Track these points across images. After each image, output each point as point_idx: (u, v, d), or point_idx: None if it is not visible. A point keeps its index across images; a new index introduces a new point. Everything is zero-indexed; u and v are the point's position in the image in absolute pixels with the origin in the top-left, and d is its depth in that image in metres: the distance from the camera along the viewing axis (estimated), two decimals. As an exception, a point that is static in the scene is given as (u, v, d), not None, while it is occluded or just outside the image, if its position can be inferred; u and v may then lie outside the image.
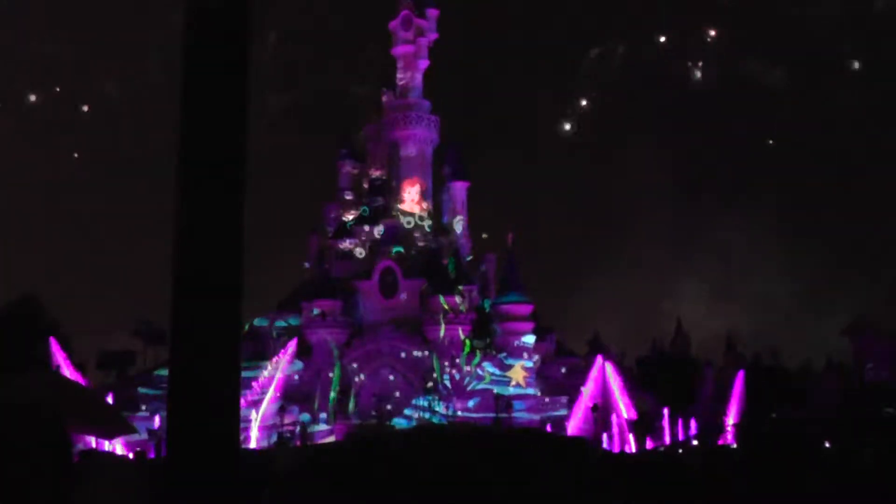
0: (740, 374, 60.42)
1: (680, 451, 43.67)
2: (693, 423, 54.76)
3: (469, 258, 74.81)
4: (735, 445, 44.85)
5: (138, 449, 35.84)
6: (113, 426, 7.66)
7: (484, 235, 76.01)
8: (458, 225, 74.93)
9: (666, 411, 53.40)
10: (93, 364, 68.05)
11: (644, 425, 50.66)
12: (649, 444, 50.67)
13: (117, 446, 43.95)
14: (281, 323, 68.87)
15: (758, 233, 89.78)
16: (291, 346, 63.84)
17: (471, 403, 64.37)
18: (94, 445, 29.41)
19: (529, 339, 68.03)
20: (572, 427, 58.27)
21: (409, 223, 72.99)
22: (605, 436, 54.39)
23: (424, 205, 74.48)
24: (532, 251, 71.80)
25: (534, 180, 79.93)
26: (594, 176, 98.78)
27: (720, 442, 50.42)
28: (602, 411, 54.46)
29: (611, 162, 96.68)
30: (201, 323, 4.79)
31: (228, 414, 4.80)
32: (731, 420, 54.73)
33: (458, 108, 79.56)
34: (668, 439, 50.89)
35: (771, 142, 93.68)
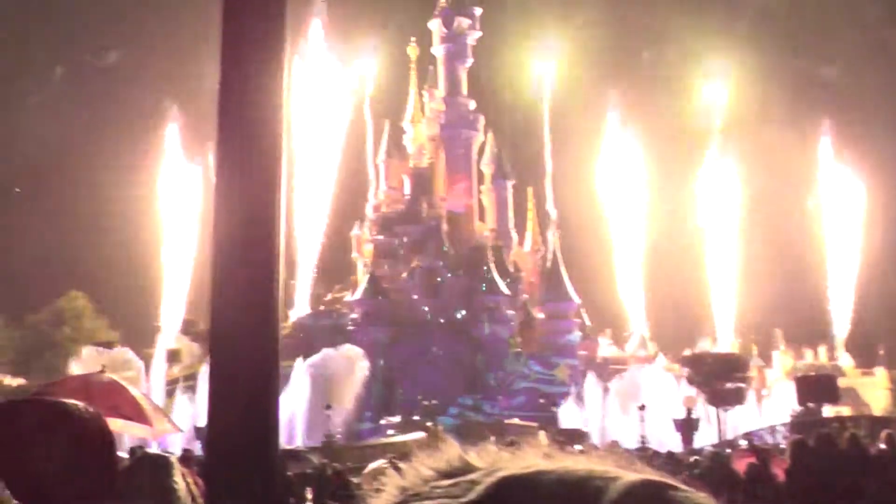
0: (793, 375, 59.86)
1: (728, 450, 43.13)
2: (741, 423, 54.20)
3: (513, 256, 74.60)
4: (784, 446, 44.24)
5: (185, 447, 35.95)
6: (158, 425, 7.64)
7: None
8: (504, 222, 74.81)
9: (713, 410, 52.90)
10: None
11: (690, 424, 50.12)
12: (696, 443, 50.15)
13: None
14: (324, 320, 69.00)
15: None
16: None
17: (515, 402, 64.27)
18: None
19: (575, 338, 67.75)
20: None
21: (452, 220, 72.87)
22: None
23: (468, 202, 74.35)
24: (578, 248, 71.20)
25: (575, 176, 79.16)
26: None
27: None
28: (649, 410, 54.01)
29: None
30: (239, 320, 4.70)
31: (267, 412, 4.71)
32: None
33: (503, 105, 78.96)
34: (716, 438, 50.32)
35: None
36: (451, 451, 0.99)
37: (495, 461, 0.98)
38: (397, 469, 1.01)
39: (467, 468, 0.98)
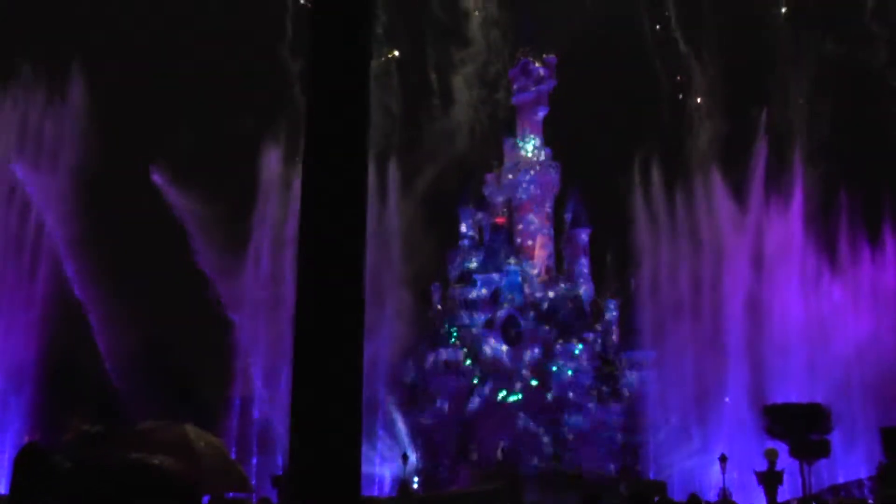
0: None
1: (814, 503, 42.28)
2: (825, 476, 53.08)
3: (592, 304, 74.26)
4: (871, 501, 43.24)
5: (263, 496, 36.30)
6: (237, 482, 7.74)
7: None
8: (579, 267, 74.58)
9: (797, 462, 51.80)
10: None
11: (774, 477, 49.09)
12: (780, 497, 49.16)
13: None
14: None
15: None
16: None
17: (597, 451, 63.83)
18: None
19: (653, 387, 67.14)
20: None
21: (531, 270, 72.91)
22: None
23: (546, 251, 74.35)
24: (657, 293, 70.48)
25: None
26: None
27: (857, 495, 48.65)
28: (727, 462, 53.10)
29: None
30: (321, 368, 4.82)
31: (350, 463, 4.80)
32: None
33: (581, 153, 79.08)
34: (800, 492, 49.26)
35: None
36: None
37: None
38: None
39: None
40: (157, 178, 60.54)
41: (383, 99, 74.96)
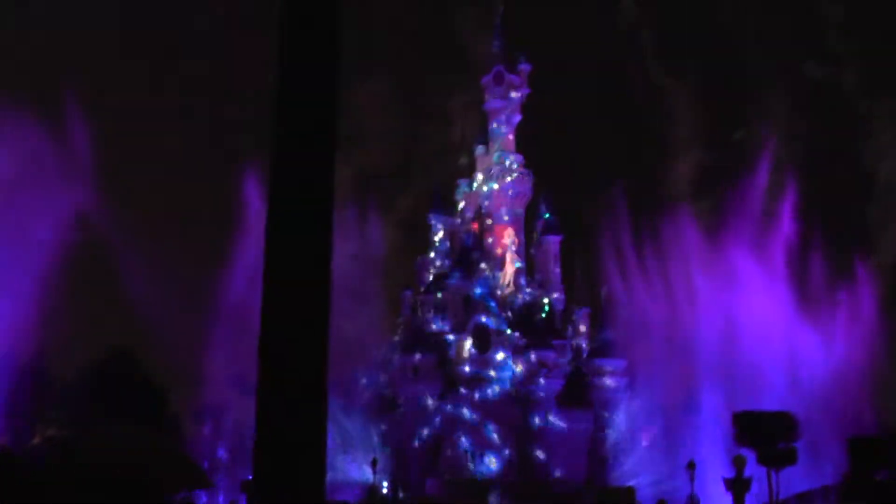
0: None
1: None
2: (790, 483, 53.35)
3: (563, 311, 74.48)
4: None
5: (232, 499, 36.28)
6: (195, 479, 7.80)
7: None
8: (550, 275, 74.81)
9: (764, 469, 52.12)
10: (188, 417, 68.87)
11: (742, 484, 49.36)
12: (747, 504, 49.47)
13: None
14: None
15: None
16: None
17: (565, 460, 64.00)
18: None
19: (622, 394, 67.45)
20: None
21: (501, 278, 73.02)
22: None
23: (517, 259, 74.47)
24: (628, 301, 70.81)
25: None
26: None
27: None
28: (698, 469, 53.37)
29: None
30: (287, 376, 4.86)
31: (314, 467, 4.85)
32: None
33: (552, 160, 79.45)
34: (766, 499, 49.57)
35: None
36: None
37: None
38: None
39: None
40: None
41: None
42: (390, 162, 77.64)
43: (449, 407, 66.40)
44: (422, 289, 74.02)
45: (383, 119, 76.99)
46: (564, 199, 78.34)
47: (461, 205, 77.08)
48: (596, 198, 70.49)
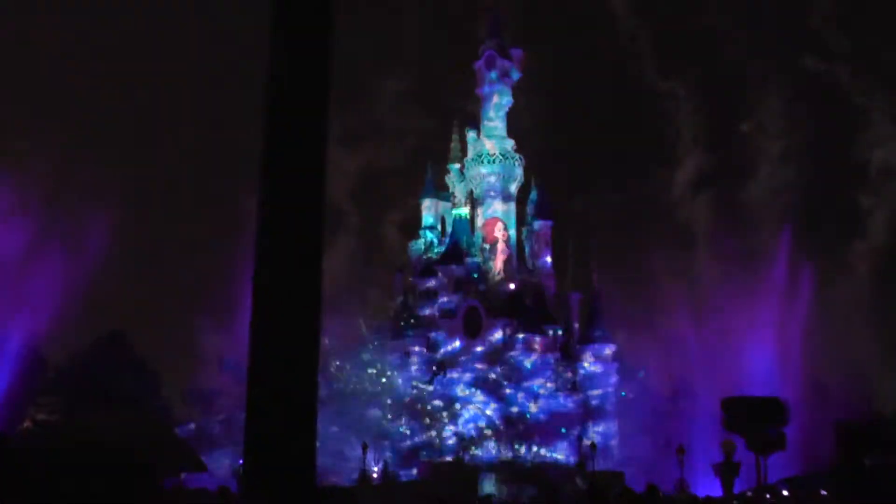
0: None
1: (767, 496, 42.77)
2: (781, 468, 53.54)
3: (554, 297, 74.49)
4: (825, 493, 43.75)
5: (222, 484, 36.17)
6: (188, 463, 7.83)
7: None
8: (542, 263, 74.87)
9: (753, 454, 52.29)
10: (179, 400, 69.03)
11: (731, 468, 49.52)
12: (736, 489, 49.62)
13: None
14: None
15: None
16: None
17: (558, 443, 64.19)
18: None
19: (613, 379, 67.65)
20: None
21: (492, 261, 73.01)
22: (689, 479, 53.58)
23: (508, 244, 74.45)
24: (620, 288, 70.98)
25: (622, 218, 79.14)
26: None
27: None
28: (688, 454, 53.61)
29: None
30: (279, 361, 4.87)
31: (304, 449, 4.86)
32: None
33: (544, 145, 79.38)
34: (755, 483, 49.75)
35: None
36: None
37: None
38: None
39: None
40: None
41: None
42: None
43: (439, 390, 66.56)
44: (412, 272, 74.01)
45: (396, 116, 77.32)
46: (556, 184, 78.33)
47: (452, 188, 76.96)
48: (588, 189, 70.61)
